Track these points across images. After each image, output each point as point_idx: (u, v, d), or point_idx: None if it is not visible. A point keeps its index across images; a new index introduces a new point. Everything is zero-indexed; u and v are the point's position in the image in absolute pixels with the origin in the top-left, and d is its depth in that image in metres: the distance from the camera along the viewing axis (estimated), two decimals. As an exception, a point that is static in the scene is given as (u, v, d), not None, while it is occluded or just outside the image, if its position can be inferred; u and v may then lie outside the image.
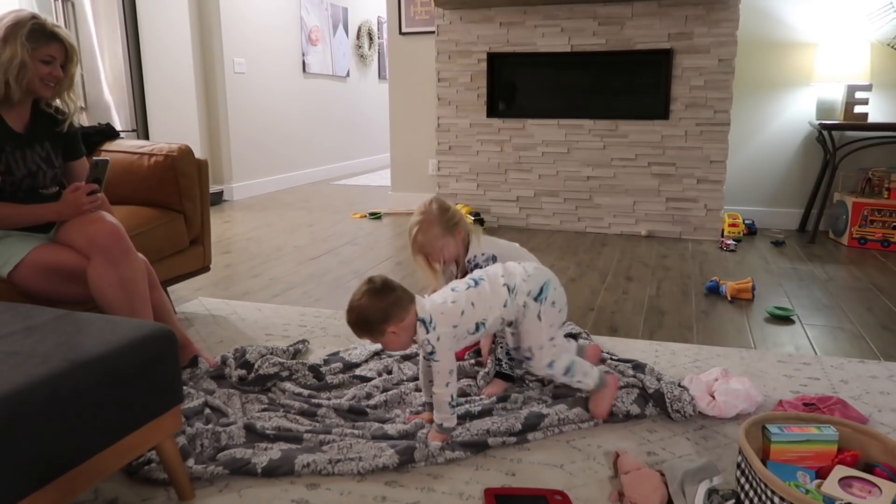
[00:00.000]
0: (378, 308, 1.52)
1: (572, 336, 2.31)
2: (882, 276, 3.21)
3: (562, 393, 1.84)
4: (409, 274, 3.25)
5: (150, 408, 1.28)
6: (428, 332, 1.55)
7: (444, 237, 1.81)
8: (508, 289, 1.61)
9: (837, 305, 2.76)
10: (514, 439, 1.63)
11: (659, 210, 4.17)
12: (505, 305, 1.61)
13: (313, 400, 1.84)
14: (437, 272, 1.85)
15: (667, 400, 1.74)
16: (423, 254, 1.83)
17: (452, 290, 1.63)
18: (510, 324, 1.67)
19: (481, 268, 1.74)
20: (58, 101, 2.01)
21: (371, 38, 7.73)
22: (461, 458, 1.56)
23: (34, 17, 1.85)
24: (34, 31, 1.83)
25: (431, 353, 1.55)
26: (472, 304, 1.59)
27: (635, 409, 1.74)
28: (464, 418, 1.70)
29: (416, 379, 1.97)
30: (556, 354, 1.66)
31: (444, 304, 1.58)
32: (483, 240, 1.89)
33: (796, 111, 4.22)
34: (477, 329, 1.61)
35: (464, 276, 1.76)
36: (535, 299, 1.62)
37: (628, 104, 4.17)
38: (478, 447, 1.59)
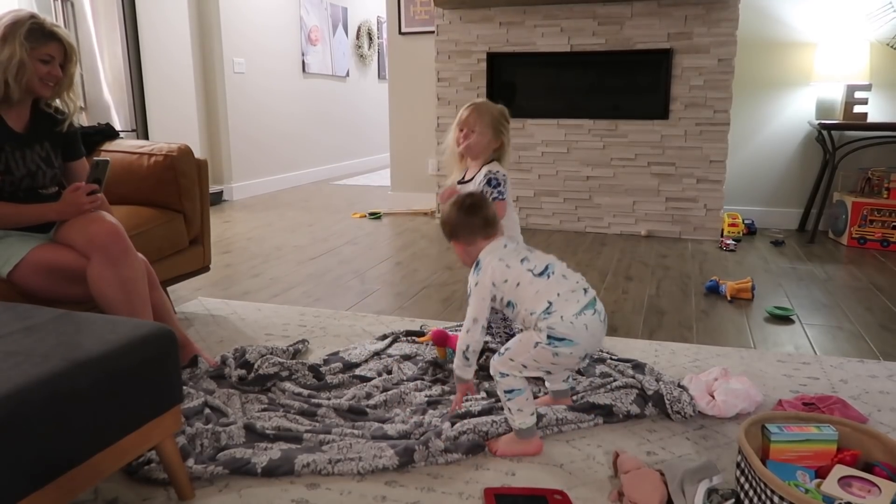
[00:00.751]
0: (452, 221, 1.66)
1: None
2: (881, 276, 3.21)
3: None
4: (409, 273, 3.25)
5: (149, 407, 1.28)
6: (473, 272, 1.61)
7: (485, 130, 1.98)
8: (548, 303, 1.51)
9: (837, 305, 2.76)
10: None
11: (658, 210, 4.17)
12: (532, 313, 1.53)
13: (313, 400, 1.84)
14: (459, 155, 2.06)
15: (666, 401, 1.74)
16: (459, 127, 2.01)
17: (522, 260, 1.58)
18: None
19: (490, 185, 1.95)
20: (57, 101, 2.01)
21: (371, 38, 7.73)
22: (461, 459, 1.56)
23: (33, 16, 1.85)
24: (33, 31, 1.83)
25: (469, 293, 1.61)
26: (518, 284, 1.54)
27: (635, 409, 1.74)
28: (464, 416, 1.70)
29: (416, 379, 1.97)
30: (513, 374, 1.55)
31: (500, 262, 1.57)
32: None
33: (796, 111, 4.22)
34: (508, 305, 1.58)
35: (465, 182, 2.01)
36: (549, 339, 1.51)
37: (628, 104, 4.17)
38: (477, 449, 1.59)
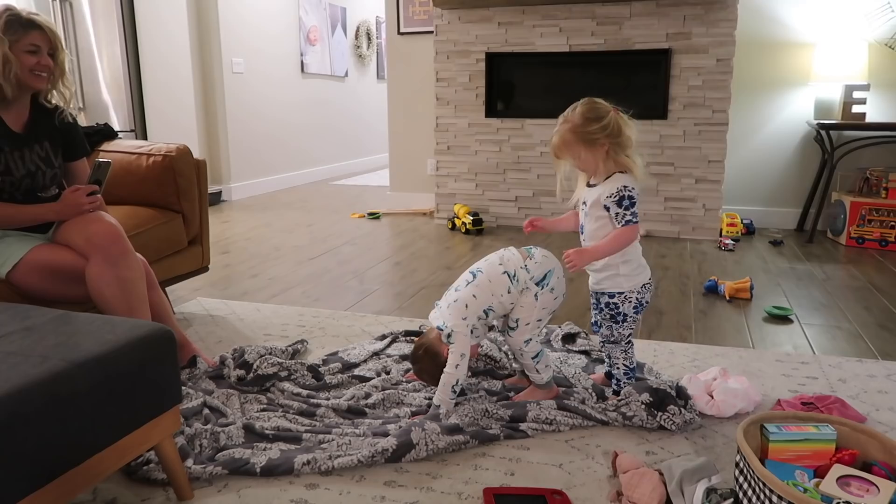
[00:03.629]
0: (429, 360, 1.80)
1: (571, 336, 2.31)
2: (880, 276, 3.21)
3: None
4: (408, 273, 3.25)
5: (148, 408, 1.28)
6: (442, 331, 1.74)
7: (579, 152, 1.73)
8: (508, 276, 1.75)
9: (835, 305, 2.76)
10: (508, 430, 1.66)
11: (657, 210, 4.18)
12: (509, 291, 1.75)
13: (312, 400, 1.84)
14: (581, 173, 1.83)
15: (665, 415, 1.69)
16: (557, 157, 1.80)
17: (455, 290, 1.79)
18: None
19: (621, 206, 1.66)
20: (54, 94, 1.99)
21: (369, 38, 7.73)
22: (460, 441, 1.59)
23: (8, 8, 1.82)
24: (10, 22, 1.80)
25: (449, 336, 1.72)
26: (474, 295, 1.74)
27: (647, 419, 1.70)
28: (461, 394, 1.80)
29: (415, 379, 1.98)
30: (535, 335, 1.79)
31: (449, 307, 1.75)
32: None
33: (794, 111, 4.23)
34: (486, 314, 1.75)
35: (591, 186, 1.78)
36: (538, 284, 1.76)
37: (627, 104, 4.10)
38: (478, 435, 1.62)
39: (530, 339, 1.77)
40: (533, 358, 1.79)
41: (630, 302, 1.76)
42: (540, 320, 1.78)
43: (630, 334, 1.81)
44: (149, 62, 5.18)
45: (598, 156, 1.72)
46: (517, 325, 1.76)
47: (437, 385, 1.75)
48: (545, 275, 1.77)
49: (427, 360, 1.81)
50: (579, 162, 1.75)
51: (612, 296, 1.77)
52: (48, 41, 1.88)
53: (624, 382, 1.82)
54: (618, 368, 1.84)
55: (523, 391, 1.85)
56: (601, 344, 1.91)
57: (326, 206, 5.29)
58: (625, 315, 1.77)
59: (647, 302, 1.79)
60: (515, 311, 1.77)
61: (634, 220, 1.68)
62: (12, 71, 1.82)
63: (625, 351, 1.82)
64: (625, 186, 1.68)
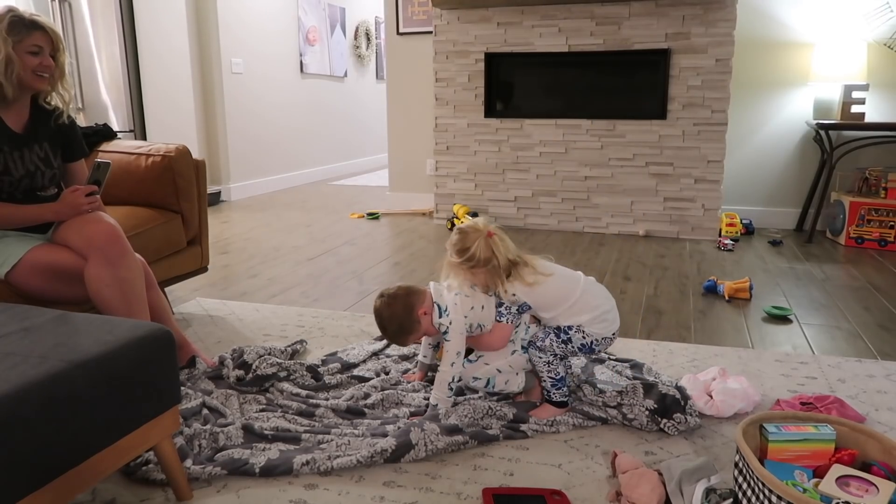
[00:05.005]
0: (401, 304, 1.74)
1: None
2: (879, 276, 3.22)
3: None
4: (407, 273, 3.25)
5: (147, 408, 1.28)
6: (441, 316, 1.73)
7: (460, 272, 1.74)
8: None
9: (835, 305, 2.76)
10: (508, 430, 1.65)
11: (657, 210, 4.18)
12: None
13: (311, 400, 1.84)
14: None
15: (670, 423, 1.68)
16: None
17: (474, 288, 1.77)
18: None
19: (508, 310, 1.75)
20: (54, 96, 2.00)
21: (369, 38, 7.73)
22: (459, 442, 1.58)
23: (11, 9, 1.83)
24: (13, 24, 1.81)
25: (445, 332, 1.72)
26: (483, 306, 1.74)
27: (647, 424, 1.70)
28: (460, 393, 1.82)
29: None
30: (485, 376, 1.79)
31: (457, 296, 1.74)
32: (536, 284, 1.70)
33: (793, 111, 4.23)
34: (481, 329, 1.75)
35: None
36: (523, 348, 1.79)
37: (626, 104, 4.17)
38: (477, 436, 1.62)
39: (479, 378, 1.79)
40: (484, 386, 1.80)
41: (583, 336, 1.71)
42: (501, 371, 1.79)
43: (558, 356, 1.73)
44: (148, 63, 5.18)
45: (481, 279, 1.73)
46: (476, 360, 1.79)
47: (386, 333, 1.78)
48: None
49: (399, 305, 1.74)
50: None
51: (570, 327, 1.72)
52: (50, 42, 1.89)
53: (553, 393, 1.74)
54: (543, 381, 1.76)
55: (536, 409, 1.78)
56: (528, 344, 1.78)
57: (326, 206, 5.29)
58: (570, 340, 1.72)
59: (598, 349, 1.74)
60: (487, 353, 1.79)
61: (501, 318, 1.75)
62: (14, 71, 1.82)
63: (548, 364, 1.73)
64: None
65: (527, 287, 1.70)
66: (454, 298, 1.72)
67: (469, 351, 1.80)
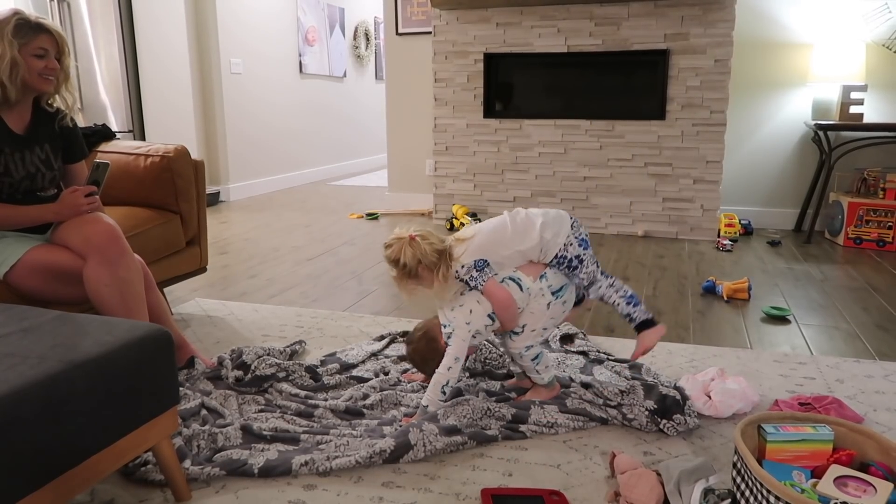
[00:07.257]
0: (423, 344, 1.84)
1: (569, 336, 2.31)
2: (878, 276, 3.22)
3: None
4: (406, 274, 3.25)
5: (146, 409, 1.28)
6: (446, 327, 1.76)
7: (409, 284, 1.78)
8: (520, 287, 1.74)
9: (833, 305, 2.77)
10: (507, 431, 1.66)
11: (655, 210, 4.18)
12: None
13: (310, 401, 1.84)
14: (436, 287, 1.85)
15: (670, 424, 1.68)
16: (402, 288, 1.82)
17: (461, 294, 1.79)
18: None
19: (472, 278, 1.73)
20: (58, 99, 2.00)
21: (368, 39, 7.73)
22: (458, 442, 1.59)
23: (17, 12, 1.83)
24: (19, 26, 1.81)
25: (448, 336, 1.74)
26: (478, 301, 1.74)
27: (647, 424, 1.70)
28: (458, 394, 1.82)
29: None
30: (536, 342, 1.79)
31: (453, 310, 1.76)
32: (468, 246, 1.75)
33: (792, 111, 4.24)
34: (492, 319, 1.75)
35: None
36: (553, 294, 1.76)
37: (625, 104, 4.17)
38: (476, 436, 1.62)
39: (530, 346, 1.78)
40: (533, 360, 1.79)
41: (571, 246, 1.76)
42: (546, 329, 1.79)
43: (597, 267, 1.80)
44: (147, 63, 5.18)
45: (428, 278, 1.74)
46: (522, 331, 1.77)
47: (423, 370, 1.79)
48: (562, 286, 1.77)
49: (423, 343, 1.83)
50: (426, 288, 1.80)
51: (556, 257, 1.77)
52: (56, 45, 1.89)
53: (633, 308, 1.81)
54: (618, 305, 1.82)
55: (527, 392, 1.86)
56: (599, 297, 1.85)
57: (325, 206, 5.29)
58: (576, 257, 1.76)
59: (584, 237, 1.79)
60: (523, 316, 1.76)
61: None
62: (19, 74, 1.82)
63: (611, 285, 1.82)
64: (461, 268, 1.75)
65: (464, 251, 1.74)
66: (452, 313, 1.76)
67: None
